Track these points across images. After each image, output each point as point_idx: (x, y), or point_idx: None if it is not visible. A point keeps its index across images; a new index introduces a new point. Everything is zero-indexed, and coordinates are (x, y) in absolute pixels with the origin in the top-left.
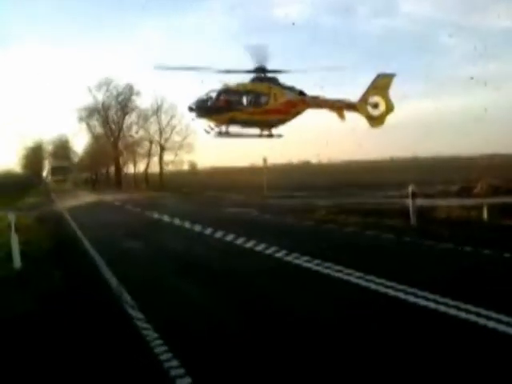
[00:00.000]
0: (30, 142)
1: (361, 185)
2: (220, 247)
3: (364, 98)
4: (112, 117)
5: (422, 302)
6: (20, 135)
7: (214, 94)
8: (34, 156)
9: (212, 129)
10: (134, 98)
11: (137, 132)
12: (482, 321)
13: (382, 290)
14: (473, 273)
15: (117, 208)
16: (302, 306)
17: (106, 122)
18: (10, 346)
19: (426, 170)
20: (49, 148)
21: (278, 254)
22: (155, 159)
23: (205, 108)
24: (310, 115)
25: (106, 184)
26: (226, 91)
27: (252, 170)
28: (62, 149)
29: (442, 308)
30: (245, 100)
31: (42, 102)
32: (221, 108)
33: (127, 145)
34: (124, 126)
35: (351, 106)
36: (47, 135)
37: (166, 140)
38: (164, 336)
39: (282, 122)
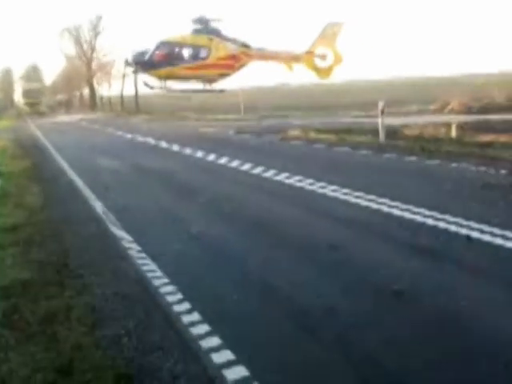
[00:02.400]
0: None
1: (336, 106)
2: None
3: (310, 50)
4: (84, 36)
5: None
6: None
7: (151, 47)
8: (5, 80)
9: (151, 86)
10: (104, 17)
11: (109, 53)
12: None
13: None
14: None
15: (88, 129)
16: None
17: (77, 41)
18: None
19: (404, 90)
20: (20, 72)
21: (244, 167)
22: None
23: (142, 62)
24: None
25: (80, 106)
26: (164, 44)
27: (230, 92)
28: (34, 72)
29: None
30: (184, 53)
31: (13, 28)
32: (159, 62)
33: (101, 66)
34: (96, 45)
35: (297, 59)
36: (19, 61)
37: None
38: None
39: (224, 76)
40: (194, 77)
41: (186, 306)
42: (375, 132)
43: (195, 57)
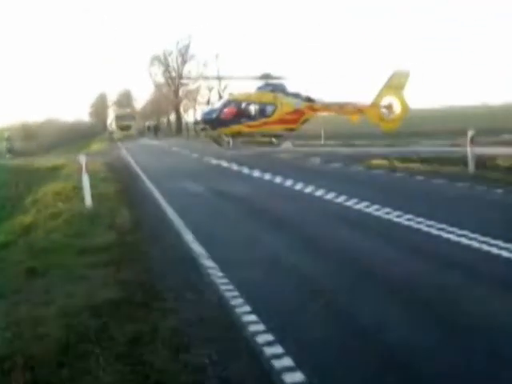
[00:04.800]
0: (96, 93)
1: (421, 133)
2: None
3: (376, 101)
4: (172, 65)
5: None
6: (88, 87)
7: (218, 106)
8: (99, 105)
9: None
10: (192, 45)
11: (196, 79)
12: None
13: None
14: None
15: (175, 153)
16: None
17: (166, 70)
18: None
19: (497, 118)
20: (113, 97)
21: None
22: None
23: (210, 121)
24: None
25: (167, 131)
26: (230, 102)
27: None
28: (126, 97)
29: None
30: (251, 111)
31: (107, 56)
32: (226, 120)
33: (187, 92)
34: (184, 73)
35: (362, 111)
36: (112, 87)
37: (225, 88)
38: None
39: (290, 131)
40: (260, 133)
41: None
42: (460, 161)
43: (261, 113)
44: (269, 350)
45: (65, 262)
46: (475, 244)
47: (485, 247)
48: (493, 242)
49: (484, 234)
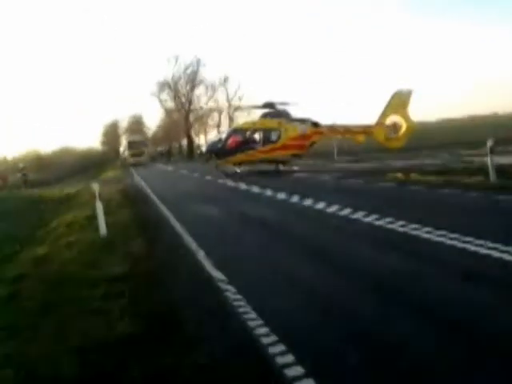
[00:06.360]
0: (107, 121)
1: (429, 146)
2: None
3: (380, 121)
4: (181, 90)
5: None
6: (99, 115)
7: (223, 136)
8: (111, 133)
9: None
10: (201, 70)
11: (206, 103)
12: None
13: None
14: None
15: (193, 178)
16: None
17: (176, 95)
18: None
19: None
20: (124, 124)
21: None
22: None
23: (216, 151)
24: None
25: (179, 156)
26: (235, 131)
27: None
28: (137, 124)
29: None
30: (256, 138)
31: (116, 83)
32: (232, 149)
33: (197, 117)
34: (193, 98)
35: (368, 132)
36: (122, 113)
37: (235, 110)
38: None
39: (298, 156)
40: (266, 160)
41: None
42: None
43: (266, 140)
44: None
45: (80, 294)
46: None
47: None
48: None
49: None
